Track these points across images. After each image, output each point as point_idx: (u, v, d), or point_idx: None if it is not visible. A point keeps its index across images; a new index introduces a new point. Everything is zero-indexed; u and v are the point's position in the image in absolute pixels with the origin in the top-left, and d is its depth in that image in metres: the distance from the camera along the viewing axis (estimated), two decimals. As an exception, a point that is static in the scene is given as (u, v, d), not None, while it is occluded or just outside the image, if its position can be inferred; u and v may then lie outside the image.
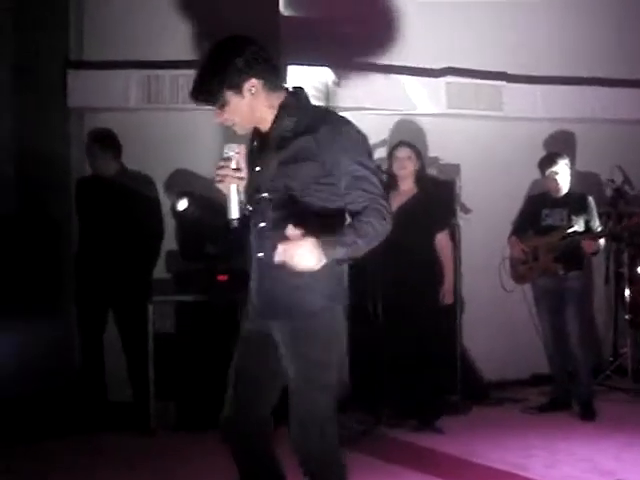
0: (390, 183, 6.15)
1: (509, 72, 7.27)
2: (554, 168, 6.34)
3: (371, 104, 6.94)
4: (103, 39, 6.69)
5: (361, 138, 3.17)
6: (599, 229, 6.36)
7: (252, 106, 3.17)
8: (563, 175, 6.36)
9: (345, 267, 3.28)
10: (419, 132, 7.01)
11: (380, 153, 6.70)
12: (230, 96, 3.14)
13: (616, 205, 7.01)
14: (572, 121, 7.51)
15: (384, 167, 6.25)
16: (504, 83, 7.25)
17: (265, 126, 3.23)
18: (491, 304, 7.10)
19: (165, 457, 5.42)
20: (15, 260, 6.42)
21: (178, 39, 6.53)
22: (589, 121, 7.51)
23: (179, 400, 6.04)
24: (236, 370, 3.29)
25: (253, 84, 3.15)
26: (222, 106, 3.16)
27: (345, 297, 3.34)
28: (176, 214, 6.10)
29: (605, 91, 7.48)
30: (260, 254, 3.21)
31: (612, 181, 7.19)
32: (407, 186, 6.16)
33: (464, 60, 7.13)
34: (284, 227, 2.97)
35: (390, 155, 6.23)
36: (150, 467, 5.24)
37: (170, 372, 5.99)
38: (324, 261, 2.97)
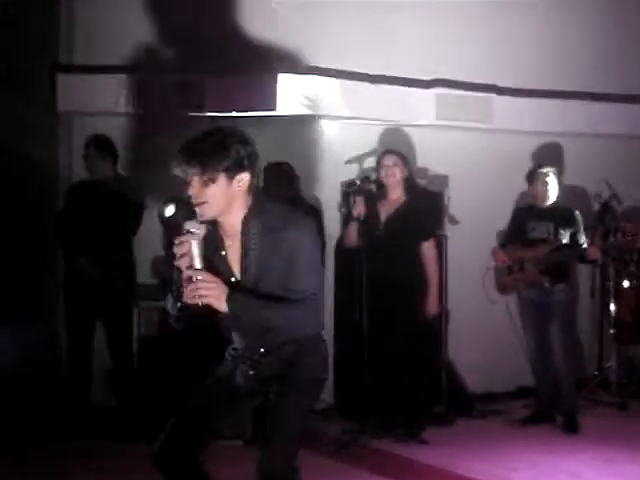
0: (379, 192, 6.16)
1: (499, 84, 7.29)
2: (543, 176, 6.37)
3: (360, 114, 6.96)
4: (93, 43, 6.67)
5: (316, 236, 3.26)
6: (585, 244, 6.37)
7: (231, 199, 3.14)
8: (551, 184, 6.39)
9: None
10: (408, 142, 7.02)
11: (369, 163, 6.72)
12: (220, 178, 3.10)
13: (603, 219, 7.02)
14: (560, 135, 7.54)
15: (373, 177, 6.27)
16: (493, 95, 7.28)
17: (226, 220, 3.20)
18: (477, 315, 7.11)
19: (147, 464, 5.38)
20: (1, 264, 6.39)
21: (168, 43, 6.52)
22: (577, 135, 7.54)
23: (161, 406, 6.01)
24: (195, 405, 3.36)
25: (245, 179, 3.14)
26: (206, 182, 3.09)
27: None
28: (163, 220, 6.08)
29: (593, 105, 7.53)
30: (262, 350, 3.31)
31: (600, 195, 7.21)
32: (396, 195, 6.16)
33: (453, 72, 7.15)
34: None
35: (378, 164, 6.24)
36: (132, 474, 5.21)
37: (154, 377, 5.96)
38: (224, 309, 3.07)
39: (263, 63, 6.67)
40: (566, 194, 6.67)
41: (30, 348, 6.05)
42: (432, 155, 7.07)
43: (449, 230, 6.89)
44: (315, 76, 6.79)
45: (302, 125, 6.88)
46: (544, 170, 6.42)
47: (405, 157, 6.23)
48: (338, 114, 6.92)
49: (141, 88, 6.59)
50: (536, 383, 6.59)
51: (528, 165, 6.89)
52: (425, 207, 6.30)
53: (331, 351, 6.70)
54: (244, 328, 3.28)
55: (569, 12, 7.49)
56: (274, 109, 6.66)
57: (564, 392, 6.36)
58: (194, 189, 3.11)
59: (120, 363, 6.11)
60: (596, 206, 7.23)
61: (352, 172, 6.79)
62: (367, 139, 6.95)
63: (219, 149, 3.09)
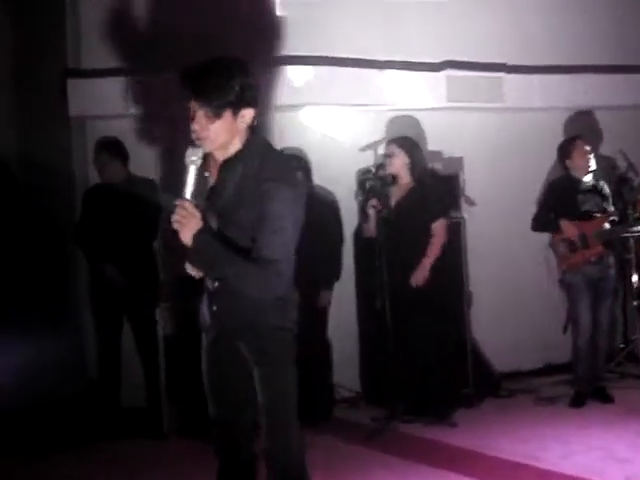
0: (388, 180, 6.17)
1: (509, 63, 7.25)
2: (581, 147, 6.28)
3: (370, 100, 6.95)
4: (101, 46, 6.68)
5: (298, 199, 3.14)
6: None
7: (233, 134, 3.13)
8: (591, 154, 6.31)
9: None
10: (419, 127, 7.00)
11: (382, 150, 6.71)
12: (227, 113, 3.08)
13: (621, 192, 6.96)
14: (572, 109, 7.49)
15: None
16: (504, 74, 7.24)
17: (223, 154, 3.17)
18: (499, 296, 7.10)
19: (178, 462, 5.43)
20: (24, 270, 6.45)
21: (179, 43, 6.51)
22: (589, 109, 7.49)
23: (191, 405, 6.05)
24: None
25: (248, 114, 3.12)
26: (211, 116, 3.08)
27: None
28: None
29: (604, 78, 7.46)
30: (216, 283, 3.22)
31: (615, 167, 7.16)
32: (404, 180, 6.18)
33: (463, 53, 7.12)
34: None
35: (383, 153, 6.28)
36: (163, 473, 5.26)
37: (181, 376, 6.00)
38: (188, 242, 3.04)
39: (271, 54, 6.66)
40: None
41: (57, 353, 6.10)
42: (446, 138, 7.05)
43: (466, 212, 6.87)
44: (324, 65, 6.76)
45: (314, 114, 6.88)
46: (581, 140, 6.33)
47: (409, 144, 6.20)
48: (349, 102, 6.91)
49: (152, 89, 6.60)
50: (579, 362, 6.33)
51: (542, 142, 6.86)
52: (432, 189, 6.26)
53: (356, 339, 6.85)
54: (200, 266, 3.21)
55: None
56: (284, 99, 6.65)
57: (600, 366, 6.33)
58: (198, 123, 3.10)
59: (148, 363, 6.16)
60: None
61: (367, 160, 6.79)
62: (380, 125, 6.94)
63: (225, 84, 3.06)
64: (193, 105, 3.11)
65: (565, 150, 6.40)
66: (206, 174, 3.22)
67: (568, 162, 6.40)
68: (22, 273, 6.45)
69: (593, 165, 6.34)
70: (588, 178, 6.37)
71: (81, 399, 6.26)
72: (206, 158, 3.19)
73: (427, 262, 6.03)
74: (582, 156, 6.31)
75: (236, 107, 3.08)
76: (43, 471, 5.41)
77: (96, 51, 6.68)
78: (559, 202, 6.40)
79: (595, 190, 6.34)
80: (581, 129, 7.07)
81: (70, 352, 6.45)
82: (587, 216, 6.30)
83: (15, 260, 6.46)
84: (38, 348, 5.74)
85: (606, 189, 6.41)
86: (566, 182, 6.43)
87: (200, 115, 3.09)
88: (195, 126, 3.11)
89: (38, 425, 5.93)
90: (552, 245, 6.48)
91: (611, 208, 6.36)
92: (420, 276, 6.01)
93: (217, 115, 3.08)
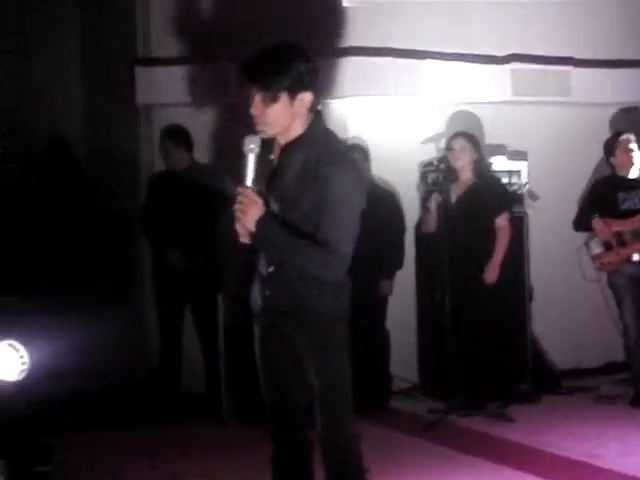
0: (449, 175, 6.15)
1: (576, 57, 7.16)
2: (625, 144, 6.17)
3: (433, 93, 6.93)
4: (169, 35, 6.77)
5: (359, 183, 3.17)
6: None
7: (292, 118, 3.14)
8: (635, 151, 6.19)
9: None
10: (482, 121, 6.96)
11: (444, 143, 6.69)
12: (283, 96, 3.11)
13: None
14: (642, 104, 7.38)
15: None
16: (571, 68, 7.15)
17: (285, 138, 3.19)
18: (563, 292, 7.03)
19: (235, 448, 5.50)
20: (87, 255, 6.57)
21: (246, 31, 6.55)
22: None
23: (251, 391, 6.10)
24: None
25: (306, 98, 3.13)
26: (268, 100, 3.10)
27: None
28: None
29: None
30: (271, 268, 3.23)
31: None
32: (465, 176, 6.16)
33: (529, 46, 7.05)
34: None
35: (447, 146, 6.23)
36: (222, 458, 5.32)
37: (241, 363, 6.05)
38: (252, 228, 3.06)
39: (334, 44, 6.68)
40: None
41: (119, 339, 6.22)
42: (510, 132, 6.99)
43: (530, 207, 6.81)
44: (387, 57, 6.76)
45: (376, 106, 6.89)
46: (625, 137, 6.23)
47: (476, 140, 6.21)
48: (412, 94, 6.90)
49: (217, 78, 6.66)
50: (634, 363, 6.23)
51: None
52: (493, 184, 6.27)
53: (414, 331, 6.85)
54: (263, 250, 3.23)
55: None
56: (347, 90, 6.66)
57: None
58: (256, 108, 3.13)
59: (208, 350, 6.23)
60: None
61: (429, 153, 6.77)
62: (443, 118, 6.92)
63: (282, 67, 3.09)
64: (252, 90, 3.14)
65: (609, 147, 6.30)
66: (271, 157, 3.24)
67: (612, 159, 6.30)
68: (85, 259, 6.56)
69: (638, 162, 6.21)
70: (634, 175, 6.24)
71: (143, 384, 6.36)
72: (272, 142, 3.22)
73: (497, 259, 6.04)
74: (625, 153, 6.20)
75: (293, 91, 3.11)
76: (102, 448, 5.53)
77: (164, 40, 6.77)
78: (599, 201, 6.30)
79: (638, 187, 6.21)
80: (631, 125, 6.96)
81: (132, 338, 6.57)
82: (626, 214, 6.19)
83: (78, 245, 6.58)
84: (102, 334, 5.84)
85: None
86: (609, 180, 6.35)
87: (257, 99, 3.13)
88: (254, 110, 3.15)
89: (102, 406, 6.05)
90: (587, 244, 6.40)
91: None
92: (492, 273, 6.03)
93: (274, 99, 3.10)
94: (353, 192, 3.11)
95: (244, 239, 3.15)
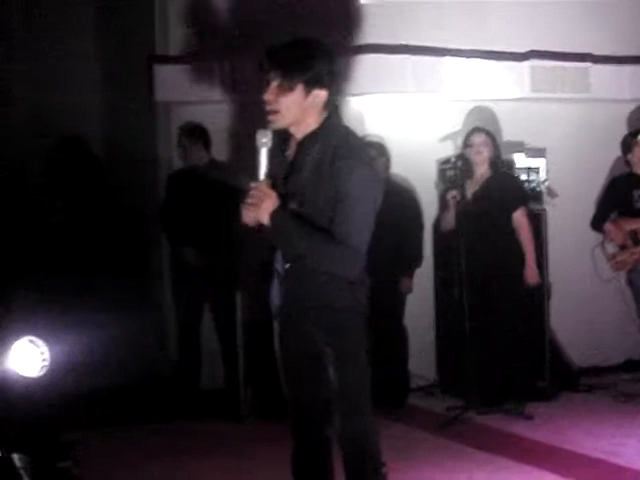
0: (466, 170, 6.14)
1: (595, 53, 7.13)
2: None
3: (452, 90, 6.91)
4: (188, 32, 6.78)
5: (375, 179, 3.19)
6: None
7: (305, 112, 3.15)
8: None
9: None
10: (499, 118, 6.94)
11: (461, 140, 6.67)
12: (299, 88, 3.12)
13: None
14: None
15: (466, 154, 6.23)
16: (590, 64, 7.12)
17: (298, 131, 3.20)
18: (581, 288, 7.00)
19: (254, 444, 5.51)
20: (107, 252, 6.60)
21: (263, 28, 6.56)
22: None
23: (270, 388, 6.12)
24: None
25: (321, 95, 3.15)
26: (284, 88, 3.11)
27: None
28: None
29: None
30: (287, 265, 3.23)
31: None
32: (481, 172, 6.15)
33: (548, 42, 7.02)
34: None
35: (466, 141, 6.21)
36: (239, 453, 5.34)
37: (260, 360, 6.07)
38: (266, 222, 3.07)
39: (352, 41, 6.68)
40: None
41: (139, 335, 6.25)
42: (529, 128, 6.96)
43: (548, 204, 6.79)
44: (406, 54, 6.75)
45: (394, 103, 6.88)
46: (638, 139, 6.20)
47: (493, 135, 6.21)
48: (430, 91, 6.89)
49: (235, 76, 6.67)
50: None
51: (628, 133, 6.73)
52: (509, 179, 6.28)
53: (433, 329, 6.85)
54: (277, 244, 3.24)
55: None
56: (365, 87, 6.66)
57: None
58: (270, 94, 3.15)
59: (226, 346, 6.25)
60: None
61: (447, 150, 6.76)
62: (461, 116, 6.90)
63: (304, 60, 3.12)
64: (270, 76, 3.15)
65: (626, 144, 6.28)
66: (288, 152, 3.26)
67: (630, 157, 6.27)
68: (105, 256, 6.60)
69: None
70: None
71: (162, 380, 6.39)
72: (289, 138, 3.23)
73: (530, 258, 6.04)
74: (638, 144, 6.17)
75: (309, 85, 3.12)
76: (122, 444, 5.56)
77: (183, 38, 6.79)
78: (615, 199, 6.31)
79: None
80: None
81: (152, 335, 6.60)
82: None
83: (98, 242, 6.61)
84: (122, 331, 5.88)
85: None
86: (625, 178, 6.34)
87: (274, 85, 3.14)
88: (267, 96, 3.15)
89: (121, 402, 6.08)
90: (602, 244, 6.39)
91: None
92: (531, 274, 6.03)
93: (290, 88, 3.12)
94: (368, 187, 3.12)
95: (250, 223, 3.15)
